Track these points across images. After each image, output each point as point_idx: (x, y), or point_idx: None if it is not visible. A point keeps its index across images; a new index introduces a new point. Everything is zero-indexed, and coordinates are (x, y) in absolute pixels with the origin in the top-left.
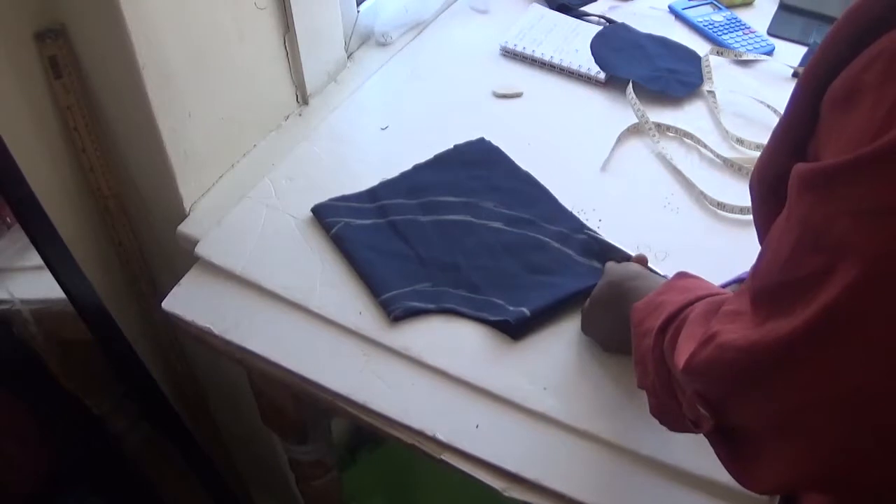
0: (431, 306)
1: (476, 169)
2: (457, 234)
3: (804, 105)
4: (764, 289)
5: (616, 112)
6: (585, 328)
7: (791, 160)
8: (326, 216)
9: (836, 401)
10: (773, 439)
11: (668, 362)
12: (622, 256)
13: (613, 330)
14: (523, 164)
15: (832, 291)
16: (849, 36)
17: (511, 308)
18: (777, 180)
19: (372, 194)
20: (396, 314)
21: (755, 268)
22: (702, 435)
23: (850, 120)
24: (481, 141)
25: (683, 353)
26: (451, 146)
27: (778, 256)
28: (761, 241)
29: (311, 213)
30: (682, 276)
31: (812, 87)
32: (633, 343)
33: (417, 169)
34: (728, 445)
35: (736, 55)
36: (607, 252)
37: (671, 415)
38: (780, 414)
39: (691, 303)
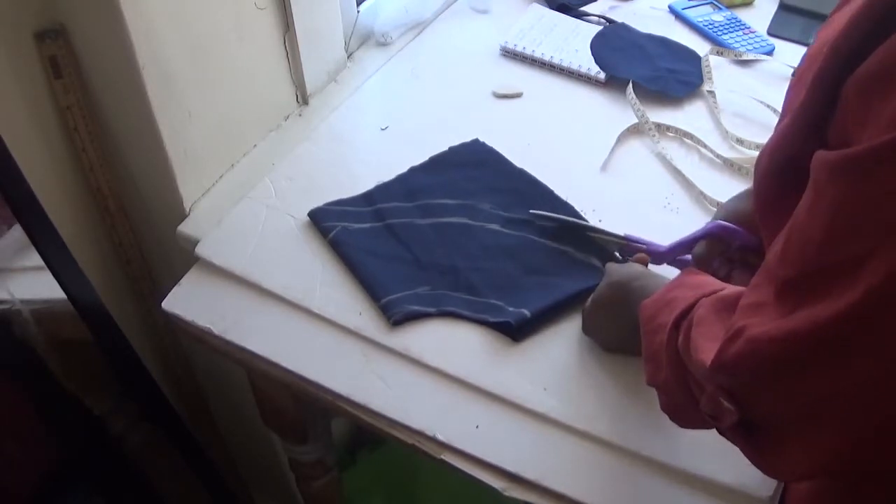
0: (431, 310)
1: (472, 170)
2: (455, 237)
3: (824, 90)
4: (793, 277)
5: (616, 112)
6: (587, 329)
7: (807, 145)
8: (323, 221)
9: (876, 382)
10: (802, 427)
11: (683, 357)
12: (612, 238)
13: (616, 330)
14: (523, 164)
15: (879, 271)
16: (874, 19)
17: (511, 309)
18: (788, 164)
19: (368, 198)
20: (396, 318)
21: (777, 257)
22: (703, 435)
23: (888, 101)
24: (476, 142)
25: (706, 350)
26: (447, 148)
27: (808, 244)
28: (763, 226)
29: None
30: (689, 272)
31: (833, 71)
32: (644, 340)
33: (413, 171)
34: (749, 437)
35: (736, 55)
36: (601, 241)
37: (684, 410)
38: (812, 401)
39: (703, 298)
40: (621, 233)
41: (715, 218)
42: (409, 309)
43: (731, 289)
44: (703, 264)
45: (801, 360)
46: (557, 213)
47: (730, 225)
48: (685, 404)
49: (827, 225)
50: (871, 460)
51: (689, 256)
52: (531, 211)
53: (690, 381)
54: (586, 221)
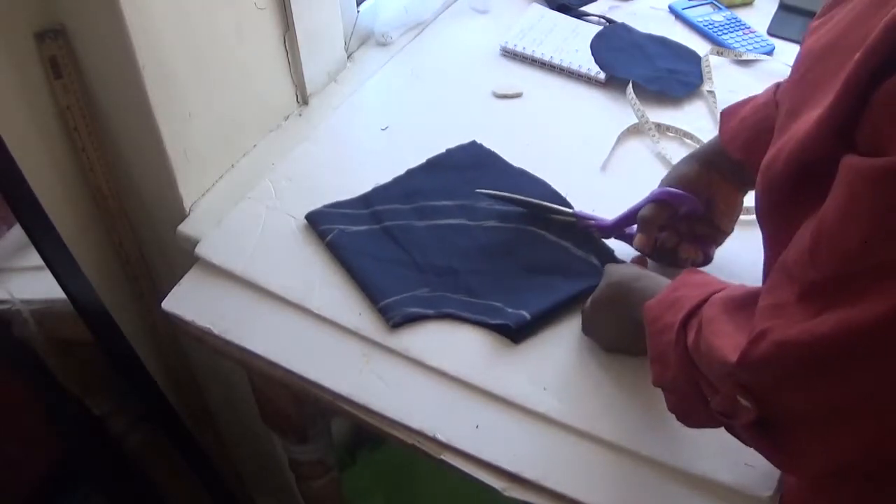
0: (430, 312)
1: (470, 172)
2: (453, 239)
3: (856, 95)
4: (822, 279)
5: (616, 112)
6: (586, 329)
7: (832, 148)
8: (321, 223)
9: None
10: (826, 426)
11: (693, 357)
12: (562, 216)
13: (616, 330)
14: (523, 164)
15: None
16: None
17: (510, 311)
18: (809, 166)
19: (365, 200)
20: (395, 321)
21: (803, 259)
22: (703, 435)
23: None
24: (473, 144)
25: (723, 348)
26: (444, 150)
27: (842, 247)
28: (765, 227)
29: None
30: (692, 272)
31: (865, 77)
32: (650, 340)
33: (411, 174)
34: (764, 434)
35: (736, 55)
36: (553, 219)
37: (693, 410)
38: (839, 401)
39: (710, 297)
40: (571, 210)
41: (661, 185)
42: (408, 311)
43: (736, 287)
44: (648, 228)
45: (831, 362)
46: (552, 205)
47: (676, 190)
48: (694, 404)
49: (865, 230)
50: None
51: (636, 227)
52: (477, 190)
53: (700, 380)
54: (540, 201)
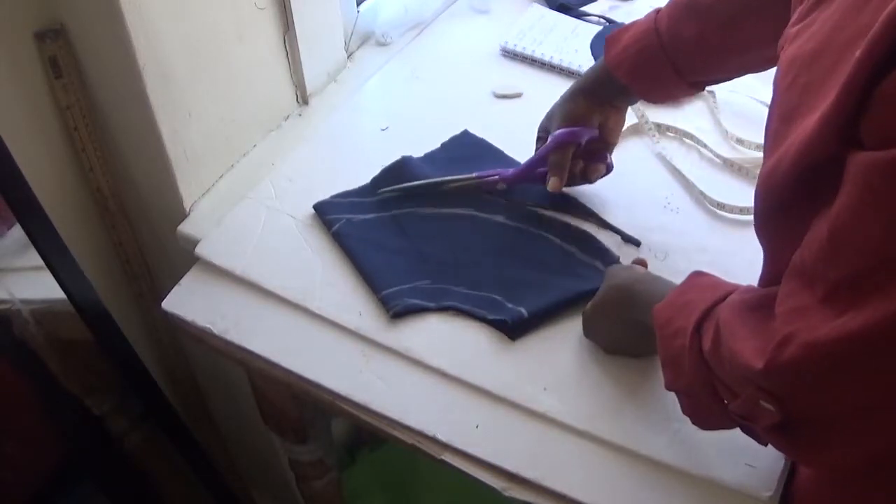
0: (431, 304)
1: (468, 165)
2: (458, 230)
3: (857, 90)
4: (845, 277)
5: None
6: (588, 331)
7: (837, 147)
8: (328, 213)
9: None
10: (855, 422)
11: (709, 361)
12: (465, 182)
13: (618, 333)
14: None
15: None
16: None
17: (510, 307)
18: (813, 168)
19: (374, 185)
20: (396, 310)
21: (824, 260)
22: (703, 435)
23: None
24: (465, 134)
25: (744, 352)
26: (439, 145)
27: (864, 242)
28: (763, 232)
29: (311, 214)
30: (699, 274)
31: (868, 73)
32: (660, 345)
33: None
34: (786, 434)
35: None
36: (460, 189)
37: (709, 413)
38: (871, 397)
39: (721, 299)
40: (471, 174)
41: (552, 129)
42: (409, 302)
43: (747, 289)
44: (561, 170)
45: (862, 359)
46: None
47: (575, 129)
48: (710, 407)
49: (884, 221)
50: None
51: (543, 170)
52: (379, 191)
53: (717, 383)
54: (438, 178)
